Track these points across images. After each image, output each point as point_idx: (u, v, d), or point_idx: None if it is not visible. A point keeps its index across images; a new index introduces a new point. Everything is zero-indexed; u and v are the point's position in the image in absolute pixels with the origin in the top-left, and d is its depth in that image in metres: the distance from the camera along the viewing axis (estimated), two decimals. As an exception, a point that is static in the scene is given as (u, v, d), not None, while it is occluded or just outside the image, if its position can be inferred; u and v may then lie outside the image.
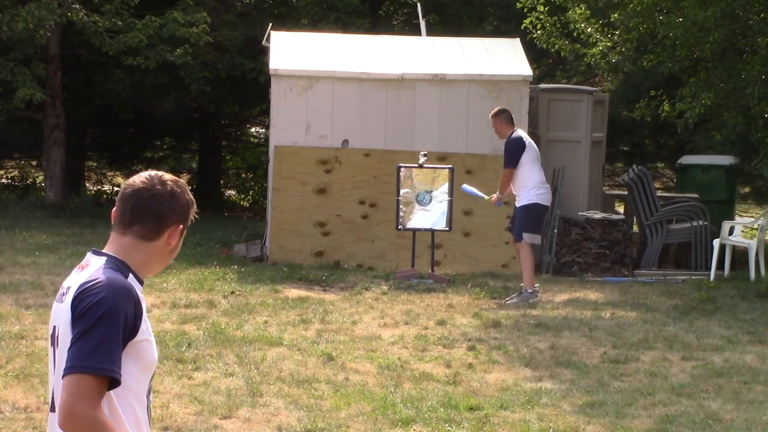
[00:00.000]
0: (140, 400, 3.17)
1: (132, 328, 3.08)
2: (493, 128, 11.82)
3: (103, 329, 3.01)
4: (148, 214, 3.20)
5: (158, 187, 3.22)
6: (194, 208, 3.30)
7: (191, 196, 3.30)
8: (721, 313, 10.89)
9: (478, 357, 8.92)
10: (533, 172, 11.51)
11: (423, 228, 12.76)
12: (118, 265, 3.18)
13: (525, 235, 11.46)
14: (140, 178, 3.25)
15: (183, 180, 3.33)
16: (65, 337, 3.09)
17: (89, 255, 3.25)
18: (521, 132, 11.78)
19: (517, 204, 11.62)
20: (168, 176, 3.27)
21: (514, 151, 11.52)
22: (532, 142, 11.83)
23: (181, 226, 3.25)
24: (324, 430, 6.87)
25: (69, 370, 3.00)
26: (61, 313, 3.16)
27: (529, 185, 11.48)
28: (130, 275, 3.18)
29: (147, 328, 3.16)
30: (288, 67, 13.82)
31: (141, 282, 3.22)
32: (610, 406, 7.57)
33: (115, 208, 3.26)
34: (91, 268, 3.17)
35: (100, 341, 3.00)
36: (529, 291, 11.42)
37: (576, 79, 22.11)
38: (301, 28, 17.55)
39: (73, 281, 3.17)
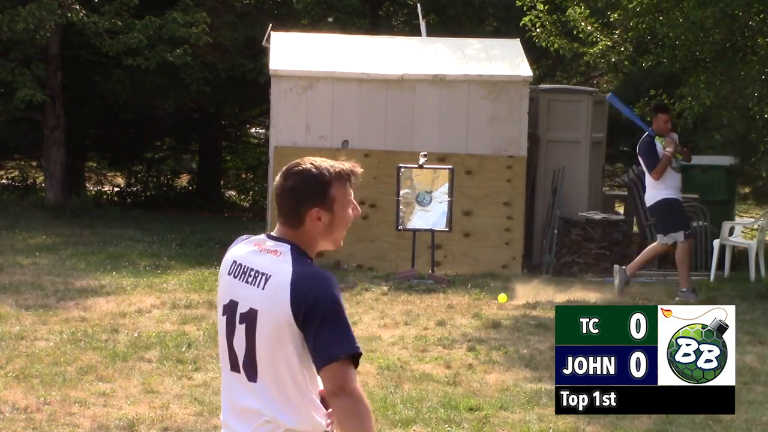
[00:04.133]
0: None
1: None
2: (668, 124, 11.84)
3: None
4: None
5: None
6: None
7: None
8: (721, 314, 10.88)
9: (478, 357, 8.92)
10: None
11: (423, 228, 12.77)
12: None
13: (659, 237, 11.81)
14: None
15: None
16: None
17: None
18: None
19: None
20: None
21: None
22: None
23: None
24: (324, 431, 6.87)
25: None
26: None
27: (657, 185, 11.73)
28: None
29: None
30: (288, 67, 13.82)
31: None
32: (610, 406, 7.57)
33: None
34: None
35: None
36: (683, 290, 11.67)
37: (576, 80, 22.10)
38: (301, 29, 17.55)
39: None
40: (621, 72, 17.10)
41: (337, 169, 3.64)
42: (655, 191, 11.81)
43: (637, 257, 12.10)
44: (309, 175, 3.62)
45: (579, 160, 14.65)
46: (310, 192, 3.60)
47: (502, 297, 10.54)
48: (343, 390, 3.39)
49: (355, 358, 3.43)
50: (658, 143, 11.73)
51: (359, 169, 3.72)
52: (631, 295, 11.97)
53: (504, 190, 13.77)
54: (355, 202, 3.71)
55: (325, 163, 3.65)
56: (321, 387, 3.53)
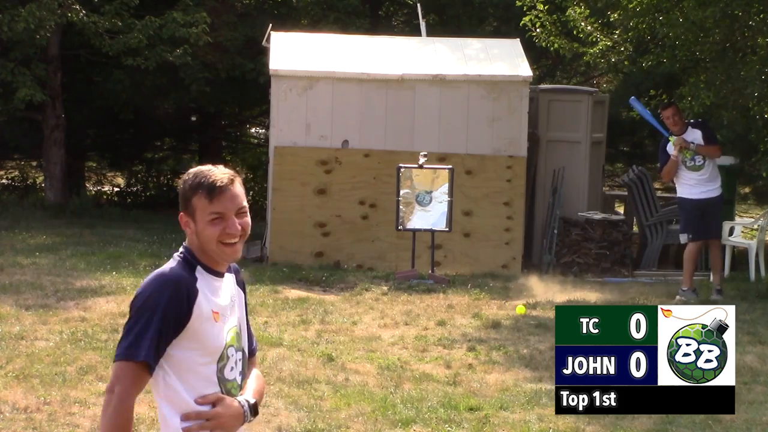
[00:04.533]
0: (206, 378, 3.50)
1: (178, 316, 3.43)
2: (671, 120, 11.77)
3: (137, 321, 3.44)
4: None
5: None
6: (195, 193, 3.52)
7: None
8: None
9: (478, 357, 8.92)
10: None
11: (423, 228, 12.77)
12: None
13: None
14: None
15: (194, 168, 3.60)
16: None
17: None
18: None
19: (710, 195, 11.75)
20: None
21: (714, 132, 11.84)
22: None
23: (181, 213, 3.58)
24: (324, 431, 6.87)
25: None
26: None
27: (719, 175, 11.80)
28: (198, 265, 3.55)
29: (205, 313, 3.47)
30: (288, 67, 13.82)
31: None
32: (610, 406, 7.56)
33: None
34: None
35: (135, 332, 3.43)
36: (684, 288, 11.72)
37: (576, 80, 22.10)
38: (301, 29, 17.55)
39: None
40: (621, 72, 17.10)
41: (201, 180, 3.53)
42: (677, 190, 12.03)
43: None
44: (182, 181, 3.61)
45: (579, 160, 14.65)
46: (180, 197, 3.60)
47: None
48: (110, 390, 3.46)
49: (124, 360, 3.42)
50: (670, 143, 11.73)
51: (221, 185, 3.51)
52: (631, 295, 11.97)
53: (504, 190, 13.77)
54: (234, 220, 3.53)
55: (201, 173, 3.55)
56: (208, 391, 3.52)
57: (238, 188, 3.56)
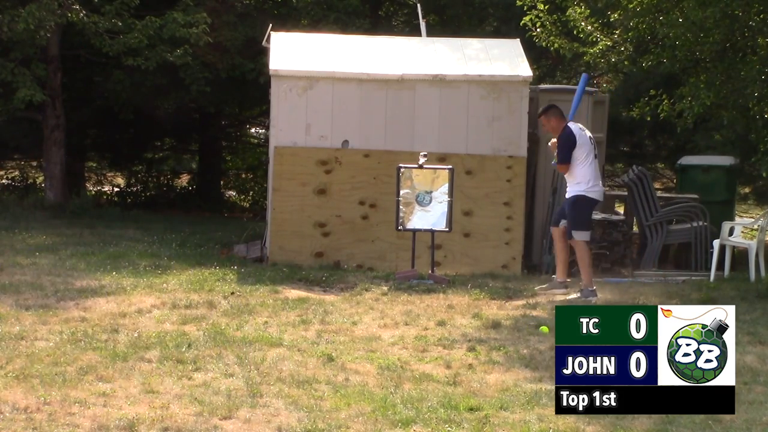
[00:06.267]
0: None
1: None
2: (545, 127, 11.87)
3: None
4: None
5: None
6: None
7: None
8: (721, 314, 10.85)
9: (478, 357, 8.92)
10: (584, 168, 11.62)
11: (423, 228, 12.77)
12: None
13: (575, 233, 11.61)
14: None
15: None
16: None
17: None
18: (573, 126, 11.84)
19: (566, 197, 11.77)
20: None
21: (565, 147, 11.62)
22: (587, 134, 11.89)
23: None
24: (324, 431, 6.87)
25: None
26: None
27: (579, 180, 11.62)
28: None
29: None
30: (288, 67, 13.83)
31: None
32: (610, 406, 7.55)
33: None
34: None
35: None
36: (590, 289, 11.56)
37: (576, 80, 22.10)
38: (301, 29, 17.55)
39: None
40: (621, 72, 17.10)
41: None
42: None
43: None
44: None
45: (579, 160, 14.62)
46: None
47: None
48: None
49: None
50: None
51: None
52: (631, 295, 11.96)
53: (504, 190, 13.77)
54: None
55: None
56: None
57: None
